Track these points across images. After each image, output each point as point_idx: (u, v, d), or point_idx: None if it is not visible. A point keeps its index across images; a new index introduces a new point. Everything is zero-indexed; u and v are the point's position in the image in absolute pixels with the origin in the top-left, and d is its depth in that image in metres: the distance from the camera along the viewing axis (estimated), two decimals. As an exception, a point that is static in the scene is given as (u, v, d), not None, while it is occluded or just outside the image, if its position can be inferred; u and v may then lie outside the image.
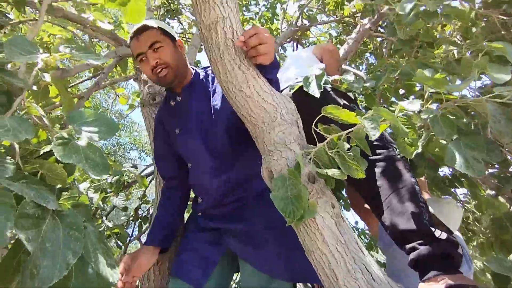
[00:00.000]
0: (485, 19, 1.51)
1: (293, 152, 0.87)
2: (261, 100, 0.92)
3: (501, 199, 1.44)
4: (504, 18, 1.29)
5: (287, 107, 0.96)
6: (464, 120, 1.01)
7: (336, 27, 4.01)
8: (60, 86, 1.03)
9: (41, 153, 0.57)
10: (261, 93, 0.93)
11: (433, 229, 0.99)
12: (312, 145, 0.91)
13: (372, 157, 1.29)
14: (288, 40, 3.41)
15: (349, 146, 0.83)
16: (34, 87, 0.96)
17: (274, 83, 1.02)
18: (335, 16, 3.43)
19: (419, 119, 0.91)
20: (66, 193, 0.61)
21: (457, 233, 1.41)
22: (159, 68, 1.15)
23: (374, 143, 1.36)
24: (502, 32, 1.36)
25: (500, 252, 1.45)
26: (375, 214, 1.25)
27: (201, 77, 1.29)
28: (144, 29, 1.15)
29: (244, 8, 3.61)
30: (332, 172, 0.77)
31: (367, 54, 3.48)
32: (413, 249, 0.98)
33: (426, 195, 1.62)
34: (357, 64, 3.54)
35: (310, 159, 0.85)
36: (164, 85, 1.26)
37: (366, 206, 1.62)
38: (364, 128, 0.81)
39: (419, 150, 1.07)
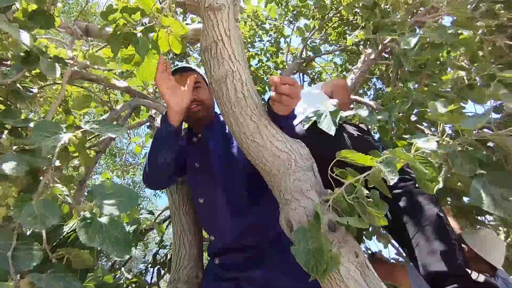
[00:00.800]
0: (491, 43, 1.51)
1: (310, 200, 0.86)
2: (275, 149, 0.93)
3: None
4: (511, 43, 1.29)
5: (301, 153, 0.95)
6: (484, 152, 0.98)
7: (340, 55, 4.09)
8: (78, 146, 1.06)
9: (65, 231, 0.59)
10: (274, 141, 0.93)
11: (469, 271, 0.94)
12: (329, 190, 0.90)
13: (394, 191, 1.25)
14: (295, 72, 3.49)
15: (367, 192, 0.81)
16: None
17: (289, 129, 1.03)
18: (338, 45, 3.50)
19: (438, 156, 0.89)
20: (91, 274, 0.61)
21: (500, 268, 1.32)
22: (194, 103, 1.24)
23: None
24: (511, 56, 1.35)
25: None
26: (406, 252, 1.19)
27: (221, 119, 1.35)
28: (188, 69, 1.30)
29: (249, 45, 3.75)
30: (353, 221, 0.75)
31: (374, 79, 3.50)
32: (448, 294, 0.92)
33: (452, 223, 1.54)
34: (365, 90, 3.57)
35: (329, 206, 0.84)
36: (192, 119, 1.30)
37: (384, 264, 1.55)
38: (381, 172, 0.79)
39: (440, 185, 1.04)
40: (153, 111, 1.97)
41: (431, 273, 0.99)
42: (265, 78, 3.67)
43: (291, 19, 3.33)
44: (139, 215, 1.73)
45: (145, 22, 1.14)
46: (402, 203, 1.21)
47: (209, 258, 1.33)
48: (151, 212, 1.87)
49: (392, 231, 1.31)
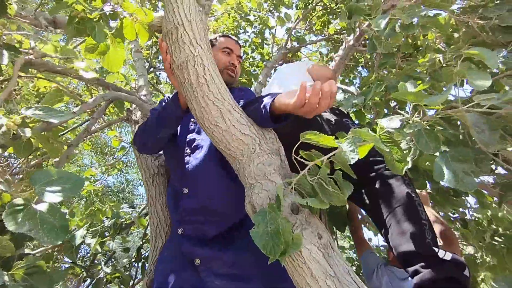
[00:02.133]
0: (465, 24, 1.50)
1: (274, 183, 0.84)
2: (238, 133, 0.91)
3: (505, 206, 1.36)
4: (482, 22, 1.28)
5: (266, 137, 0.94)
6: (451, 131, 0.97)
7: (326, 45, 4.06)
8: (42, 139, 1.04)
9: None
10: (238, 126, 0.92)
11: (436, 249, 0.94)
12: (295, 174, 0.89)
13: (369, 175, 1.25)
14: (280, 63, 3.46)
15: (328, 172, 0.80)
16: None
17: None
18: (323, 35, 3.48)
19: (402, 135, 0.88)
20: (21, 261, 0.59)
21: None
22: (233, 68, 1.38)
23: (371, 159, 1.32)
24: (483, 35, 1.34)
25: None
26: (383, 234, 1.19)
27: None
28: (240, 44, 1.48)
29: (234, 37, 3.70)
30: (312, 201, 0.74)
31: (359, 68, 3.49)
32: (416, 272, 0.92)
33: (428, 211, 1.54)
34: (351, 79, 3.55)
35: (292, 188, 0.83)
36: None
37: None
38: (343, 152, 0.78)
39: (409, 165, 1.03)
40: (133, 106, 1.94)
41: (401, 253, 0.99)
42: (251, 70, 3.63)
43: (271, 9, 3.29)
44: (120, 209, 1.72)
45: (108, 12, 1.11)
46: (376, 186, 1.21)
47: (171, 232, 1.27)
48: (132, 206, 1.85)
49: (371, 216, 1.32)
